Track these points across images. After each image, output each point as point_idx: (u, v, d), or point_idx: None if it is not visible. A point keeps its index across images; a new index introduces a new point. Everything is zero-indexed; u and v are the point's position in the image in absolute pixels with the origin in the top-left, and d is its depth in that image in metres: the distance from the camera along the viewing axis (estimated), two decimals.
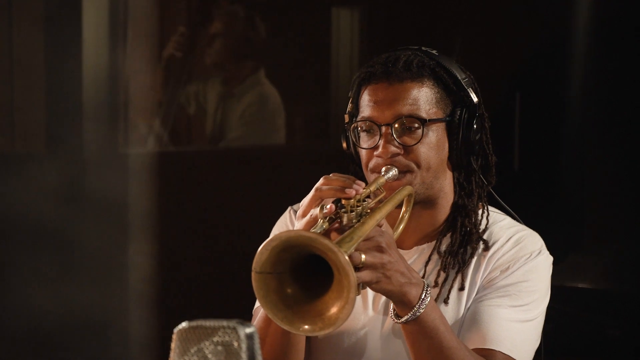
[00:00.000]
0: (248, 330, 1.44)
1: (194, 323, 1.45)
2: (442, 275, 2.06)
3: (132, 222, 3.73)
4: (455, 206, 2.11)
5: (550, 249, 4.18)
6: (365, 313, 2.08)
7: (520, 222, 2.15)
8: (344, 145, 2.13)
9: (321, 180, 1.92)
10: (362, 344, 2.06)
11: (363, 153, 2.07)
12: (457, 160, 2.08)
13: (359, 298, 2.07)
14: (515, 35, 4.78)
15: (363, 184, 1.89)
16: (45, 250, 3.12)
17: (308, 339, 2.10)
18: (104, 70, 3.84)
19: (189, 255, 4.01)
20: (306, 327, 1.73)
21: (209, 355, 1.43)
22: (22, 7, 3.55)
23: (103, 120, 3.86)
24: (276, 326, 1.96)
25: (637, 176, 4.77)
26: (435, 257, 2.09)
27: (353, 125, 2.07)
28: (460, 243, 2.07)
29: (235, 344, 1.42)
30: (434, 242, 2.10)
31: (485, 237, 2.08)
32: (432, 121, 2.03)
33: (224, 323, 1.44)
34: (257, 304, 2.09)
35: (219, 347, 1.43)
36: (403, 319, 1.88)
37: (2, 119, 3.61)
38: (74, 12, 3.65)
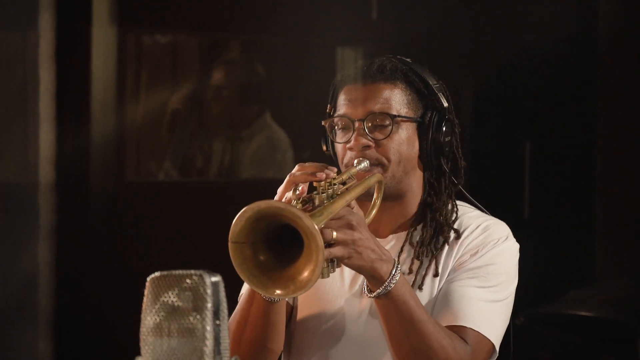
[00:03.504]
0: (214, 278, 1.57)
1: (165, 272, 1.58)
2: (416, 262, 2.17)
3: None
4: (424, 203, 2.23)
5: (559, 288, 4.23)
6: (343, 295, 2.18)
7: (488, 214, 2.27)
8: (324, 147, 2.28)
9: (296, 167, 2.05)
10: (341, 325, 2.16)
11: (339, 149, 2.21)
12: (427, 160, 2.20)
13: (337, 279, 2.20)
14: (525, 84, 4.89)
15: (335, 169, 2.03)
16: None
17: (288, 321, 2.22)
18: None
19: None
20: (279, 291, 1.85)
21: (178, 300, 1.56)
22: (35, 45, 3.74)
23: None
24: (257, 307, 2.09)
25: None
26: (407, 247, 2.20)
27: (329, 121, 2.21)
28: (433, 234, 2.19)
29: (202, 289, 1.55)
30: (406, 232, 2.22)
31: (455, 226, 2.20)
32: (402, 118, 2.16)
33: (192, 271, 1.57)
34: (242, 291, 2.22)
35: (187, 293, 1.56)
36: (375, 294, 2.00)
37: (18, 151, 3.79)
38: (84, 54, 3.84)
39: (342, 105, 2.19)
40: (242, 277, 1.86)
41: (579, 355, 3.78)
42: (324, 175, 1.98)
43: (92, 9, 3.83)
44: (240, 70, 4.32)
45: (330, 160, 2.27)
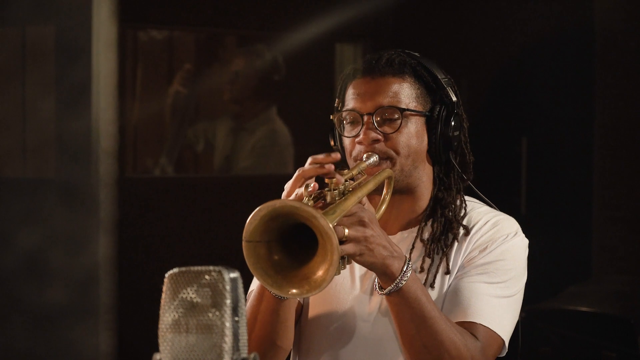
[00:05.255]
0: (232, 274, 1.55)
1: (183, 268, 1.57)
2: (427, 261, 2.17)
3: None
4: (435, 198, 2.22)
5: (556, 284, 4.23)
6: (354, 294, 2.18)
7: (497, 210, 2.26)
8: (332, 142, 2.27)
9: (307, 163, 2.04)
10: (351, 324, 2.16)
11: (347, 143, 2.20)
12: (436, 154, 2.20)
13: (347, 279, 2.19)
14: (522, 80, 4.90)
15: (338, 154, 2.01)
16: None
17: (298, 320, 2.21)
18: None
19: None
20: (294, 290, 1.84)
21: (197, 297, 1.55)
22: (35, 44, 3.72)
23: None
24: (266, 304, 2.08)
25: None
26: (419, 244, 2.20)
27: (338, 115, 2.21)
28: (442, 231, 2.19)
29: (220, 285, 1.54)
30: (416, 229, 2.21)
31: (464, 222, 2.20)
32: (411, 111, 2.16)
33: (210, 268, 1.55)
34: (251, 287, 2.21)
35: (206, 289, 1.55)
36: (386, 291, 1.99)
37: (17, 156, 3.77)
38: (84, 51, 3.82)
39: (351, 99, 2.19)
40: (256, 276, 1.85)
41: (580, 350, 3.78)
42: (333, 167, 1.97)
43: (91, 5, 3.81)
44: (262, 63, 4.32)
45: None
